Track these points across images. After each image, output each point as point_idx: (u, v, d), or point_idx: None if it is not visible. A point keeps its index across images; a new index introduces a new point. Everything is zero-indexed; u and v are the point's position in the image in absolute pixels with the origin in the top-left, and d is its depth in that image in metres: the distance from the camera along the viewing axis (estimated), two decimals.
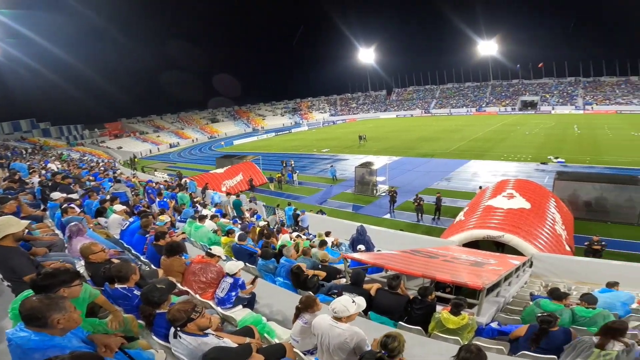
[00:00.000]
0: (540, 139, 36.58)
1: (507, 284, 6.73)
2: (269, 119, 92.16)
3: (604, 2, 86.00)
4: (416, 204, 16.33)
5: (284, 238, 8.68)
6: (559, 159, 25.45)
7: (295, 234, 10.02)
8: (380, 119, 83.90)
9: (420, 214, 16.45)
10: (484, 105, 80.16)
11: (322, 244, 7.24)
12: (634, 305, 6.08)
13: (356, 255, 6.79)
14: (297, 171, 26.75)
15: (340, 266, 6.73)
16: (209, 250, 4.73)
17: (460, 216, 13.01)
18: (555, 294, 4.90)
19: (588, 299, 5.05)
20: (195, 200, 14.21)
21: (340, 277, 6.07)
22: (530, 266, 9.32)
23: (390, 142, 41.64)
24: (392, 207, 17.93)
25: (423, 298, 4.40)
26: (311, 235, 10.84)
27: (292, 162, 29.16)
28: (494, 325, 4.63)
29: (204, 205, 12.88)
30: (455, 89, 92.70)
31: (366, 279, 5.69)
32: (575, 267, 9.37)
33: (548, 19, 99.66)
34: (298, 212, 14.20)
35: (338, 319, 2.99)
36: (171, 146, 62.77)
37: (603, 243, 11.18)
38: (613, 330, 3.23)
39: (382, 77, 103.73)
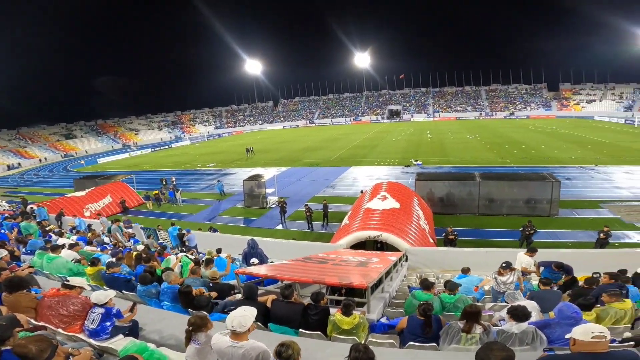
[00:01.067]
0: (403, 144, 42.58)
1: (389, 279, 7.31)
2: (144, 133, 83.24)
3: (442, 20, 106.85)
4: (308, 213, 16.98)
5: (170, 260, 7.98)
6: (418, 162, 30.02)
7: (181, 254, 9.31)
8: (267, 130, 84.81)
9: (309, 222, 17.16)
10: (360, 115, 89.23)
11: (208, 262, 6.96)
12: (486, 287, 7.30)
13: (249, 269, 6.68)
14: (180, 189, 24.77)
15: (234, 282, 6.54)
16: (66, 282, 4.33)
17: (346, 220, 13.99)
18: (424, 284, 5.52)
19: (450, 286, 5.68)
20: (47, 228, 12.40)
21: (235, 293, 5.90)
22: (406, 260, 10.42)
23: (278, 154, 42.40)
24: (283, 217, 18.23)
25: (316, 303, 4.58)
26: (201, 254, 10.30)
27: (174, 179, 26.95)
28: (383, 320, 4.97)
29: (60, 234, 10.92)
30: (336, 99, 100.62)
31: (261, 291, 5.66)
32: (438, 257, 10.87)
33: (405, 34, 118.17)
34: (184, 231, 13.25)
35: (237, 335, 2.90)
36: (9, 168, 50.69)
37: (455, 233, 13.26)
38: (471, 314, 3.75)
39: (269, 88, 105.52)
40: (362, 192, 18.87)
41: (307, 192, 23.73)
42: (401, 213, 13.01)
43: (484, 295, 7.21)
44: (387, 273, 7.06)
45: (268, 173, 25.01)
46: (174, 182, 26.10)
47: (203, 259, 8.06)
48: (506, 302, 5.12)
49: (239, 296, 5.72)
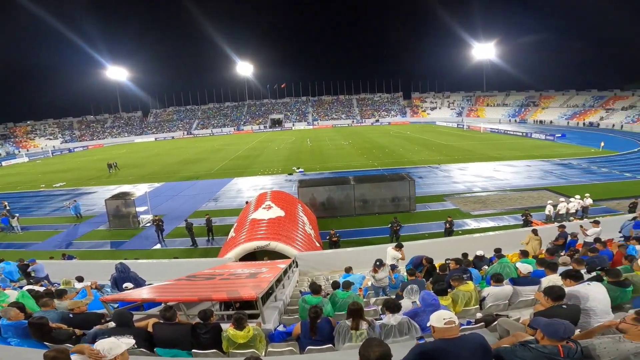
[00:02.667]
0: (285, 153, 43.83)
1: (281, 287, 7.35)
2: None
3: (318, 31, 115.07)
4: (188, 228, 15.72)
5: (11, 294, 6.43)
6: (300, 169, 31.26)
7: (27, 287, 7.66)
8: (135, 143, 75.38)
9: (192, 238, 15.94)
10: (242, 124, 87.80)
11: (61, 293, 5.91)
12: (369, 284, 7.88)
13: (120, 295, 5.92)
14: (17, 214, 19.85)
15: (103, 311, 5.65)
16: None
17: (232, 233, 13.54)
18: (313, 288, 5.69)
19: (344, 284, 5.99)
20: None
21: (107, 321, 5.12)
22: (297, 266, 10.63)
23: (150, 168, 38.20)
24: (160, 236, 16.48)
25: (205, 321, 4.32)
26: (56, 284, 8.77)
27: (6, 203, 21.53)
28: (280, 328, 4.98)
29: None
30: (216, 109, 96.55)
31: (141, 316, 5.07)
32: (325, 259, 11.43)
33: (285, 43, 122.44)
34: (26, 262, 10.77)
35: None
36: None
37: (338, 235, 14.18)
38: (354, 312, 3.97)
39: (136, 96, 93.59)
40: (247, 202, 18.59)
41: (187, 207, 22.02)
42: (287, 221, 13.24)
43: (368, 291, 7.82)
44: (279, 281, 7.09)
45: (138, 190, 22.29)
46: (7, 207, 20.82)
47: (57, 288, 6.83)
48: (403, 296, 5.45)
49: (112, 324, 5.00)
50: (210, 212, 17.86)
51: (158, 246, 16.17)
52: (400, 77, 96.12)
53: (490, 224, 16.53)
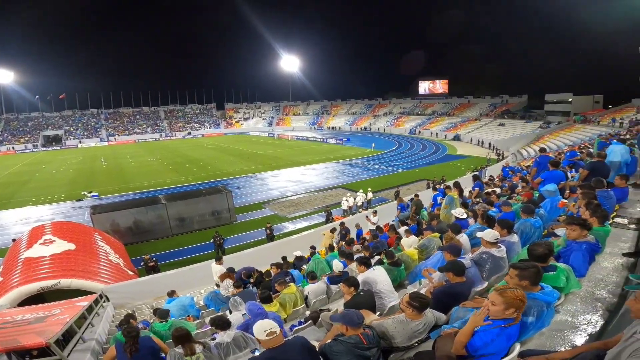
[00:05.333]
0: (70, 175, 35.37)
1: (89, 326, 6.64)
2: None
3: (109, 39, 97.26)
4: None
5: None
6: (93, 193, 25.89)
7: None
8: None
9: None
10: None
11: None
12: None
13: None
14: None
15: None
16: None
17: None
18: (160, 314, 5.29)
19: (160, 314, 5.57)
20: None
21: None
22: (108, 300, 9.37)
23: None
24: None
25: None
26: None
27: None
28: None
29: None
30: None
31: None
32: (144, 287, 10.40)
33: (65, 47, 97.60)
34: None
35: None
36: None
37: (155, 259, 12.88)
38: (180, 338, 3.68)
39: None
40: (14, 240, 14.01)
41: None
42: (81, 254, 11.33)
43: (200, 311, 7.40)
44: (83, 319, 6.43)
45: None
46: None
47: None
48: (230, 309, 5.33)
49: None
50: None
51: None
52: (214, 87, 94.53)
53: (304, 224, 18.36)
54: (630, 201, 5.77)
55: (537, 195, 6.71)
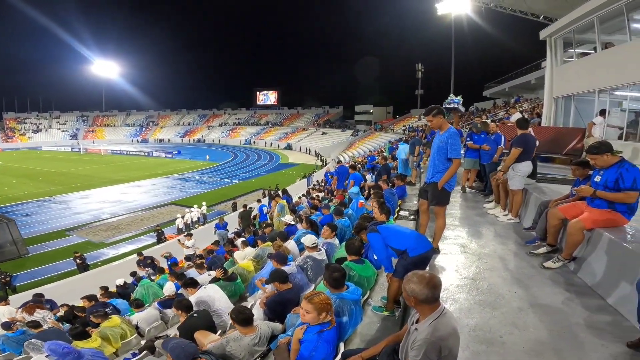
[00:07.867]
0: None
1: None
2: None
3: None
4: None
5: None
6: None
7: None
8: None
9: None
10: None
11: None
12: None
13: None
14: None
15: None
16: None
17: None
18: None
19: None
20: None
21: None
22: None
23: None
24: None
25: None
26: None
27: None
28: None
29: None
30: None
31: None
32: None
33: None
34: None
35: None
36: None
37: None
38: None
39: None
40: None
41: None
42: None
43: None
44: None
45: None
46: None
47: None
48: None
49: None
50: None
51: None
52: None
53: (129, 247, 15.95)
54: (410, 195, 7.54)
55: (347, 197, 7.90)
